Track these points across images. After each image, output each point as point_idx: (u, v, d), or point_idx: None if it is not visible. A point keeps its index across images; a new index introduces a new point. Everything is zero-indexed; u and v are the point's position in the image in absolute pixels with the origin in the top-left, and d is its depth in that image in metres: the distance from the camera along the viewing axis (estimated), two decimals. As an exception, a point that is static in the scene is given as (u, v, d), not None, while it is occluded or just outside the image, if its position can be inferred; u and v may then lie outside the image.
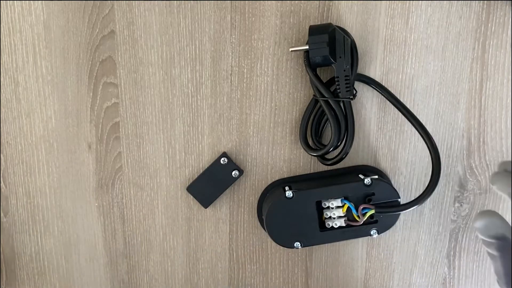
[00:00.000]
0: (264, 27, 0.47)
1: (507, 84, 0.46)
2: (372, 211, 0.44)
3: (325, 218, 0.45)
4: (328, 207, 0.45)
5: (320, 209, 0.45)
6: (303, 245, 0.45)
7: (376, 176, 0.45)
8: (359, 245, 0.50)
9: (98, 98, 0.49)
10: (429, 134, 0.43)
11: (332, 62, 0.43)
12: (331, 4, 0.46)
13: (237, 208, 0.50)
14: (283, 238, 0.46)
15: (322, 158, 0.46)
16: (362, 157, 0.48)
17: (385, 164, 0.48)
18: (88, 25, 0.48)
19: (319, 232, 0.45)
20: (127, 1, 0.47)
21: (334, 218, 0.45)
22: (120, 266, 0.52)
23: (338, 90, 0.44)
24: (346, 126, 0.45)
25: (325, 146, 0.45)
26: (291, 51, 0.45)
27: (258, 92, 0.48)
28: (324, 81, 0.46)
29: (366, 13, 0.46)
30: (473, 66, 0.46)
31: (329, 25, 0.43)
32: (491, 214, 0.34)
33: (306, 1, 0.46)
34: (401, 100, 0.46)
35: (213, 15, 0.47)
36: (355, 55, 0.44)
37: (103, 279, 0.52)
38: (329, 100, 0.44)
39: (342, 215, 0.45)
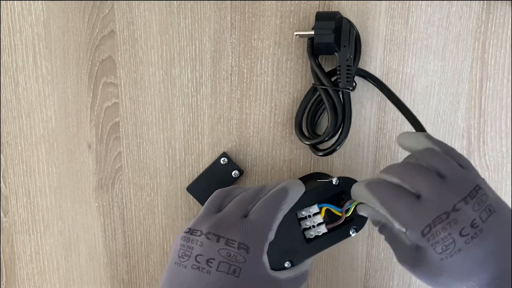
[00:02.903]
0: (264, 27, 0.47)
1: (507, 84, 0.46)
2: (356, 202, 0.41)
3: (305, 229, 0.43)
4: (306, 217, 0.43)
5: (298, 221, 0.43)
6: (293, 264, 0.42)
7: (341, 176, 0.44)
8: (359, 245, 0.50)
9: (98, 98, 0.49)
10: (423, 127, 0.43)
11: (335, 50, 0.43)
12: (331, 4, 0.46)
13: (237, 208, 0.50)
14: (272, 260, 0.39)
15: (315, 148, 0.46)
16: (362, 156, 0.48)
17: (385, 164, 0.48)
18: (88, 25, 0.48)
19: (307, 245, 0.43)
20: (127, 1, 0.47)
21: (315, 226, 0.43)
22: (120, 266, 0.52)
23: (339, 80, 0.43)
24: (343, 117, 0.44)
25: (319, 136, 0.45)
26: (296, 34, 0.44)
27: (258, 92, 0.48)
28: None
29: (366, 13, 0.46)
30: (473, 66, 0.46)
31: (337, 13, 0.43)
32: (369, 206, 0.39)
33: (306, 1, 0.46)
34: (402, 100, 0.46)
35: (213, 15, 0.47)
36: (359, 47, 0.44)
37: (103, 279, 0.52)
38: (328, 89, 0.44)
39: (322, 220, 0.43)
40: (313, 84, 0.45)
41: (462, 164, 0.36)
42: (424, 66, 0.46)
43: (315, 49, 0.44)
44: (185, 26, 0.47)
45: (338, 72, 0.43)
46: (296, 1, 0.46)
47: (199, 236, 0.36)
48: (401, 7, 0.45)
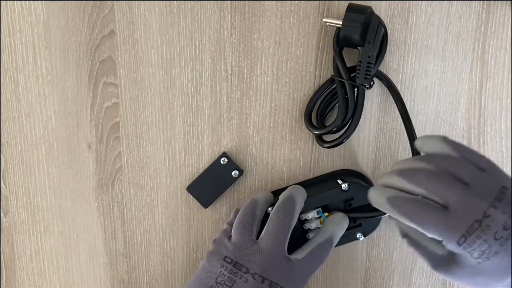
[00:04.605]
0: (264, 27, 0.47)
1: (507, 84, 0.46)
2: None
3: (309, 231, 0.45)
4: (306, 220, 0.44)
5: (301, 222, 0.44)
6: None
7: (355, 180, 0.44)
8: (359, 245, 0.50)
9: (98, 98, 0.49)
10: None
11: (360, 44, 0.42)
12: (331, 4, 0.46)
13: (237, 208, 0.50)
14: None
15: (320, 140, 0.46)
16: (362, 156, 0.48)
17: (385, 164, 0.48)
18: (88, 25, 0.48)
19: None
20: (127, 1, 0.47)
21: (315, 229, 0.44)
22: (120, 266, 0.52)
23: (357, 76, 0.43)
24: (353, 112, 0.44)
25: (326, 127, 0.45)
26: (325, 21, 0.44)
27: (258, 92, 0.48)
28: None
29: (366, 13, 0.46)
30: (473, 66, 0.46)
31: (368, 7, 0.43)
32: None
33: (306, 1, 0.46)
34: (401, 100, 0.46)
35: (213, 15, 0.47)
36: (384, 47, 0.44)
37: (103, 279, 0.52)
38: (345, 83, 0.44)
39: (320, 226, 0.44)
40: (331, 75, 0.45)
41: (483, 166, 0.36)
42: (424, 66, 0.46)
43: (341, 40, 0.43)
44: (185, 26, 0.47)
45: (358, 68, 0.43)
46: (296, 1, 0.46)
47: (245, 273, 0.40)
48: (401, 7, 0.45)
